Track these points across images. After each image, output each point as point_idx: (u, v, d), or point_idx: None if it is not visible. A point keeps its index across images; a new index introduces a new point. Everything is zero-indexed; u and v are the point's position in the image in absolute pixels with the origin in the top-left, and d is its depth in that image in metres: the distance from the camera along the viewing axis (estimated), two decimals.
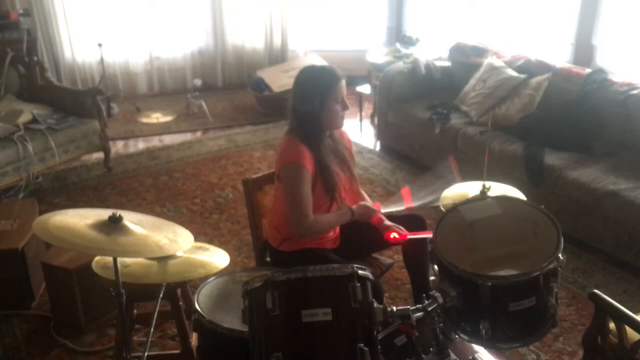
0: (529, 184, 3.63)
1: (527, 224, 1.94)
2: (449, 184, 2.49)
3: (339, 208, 2.44)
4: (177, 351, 2.54)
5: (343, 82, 2.34)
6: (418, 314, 1.75)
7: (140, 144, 5.23)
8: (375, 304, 1.63)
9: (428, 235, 2.36)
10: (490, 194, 2.43)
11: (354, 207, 2.42)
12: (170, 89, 6.53)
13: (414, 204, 2.45)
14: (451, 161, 2.54)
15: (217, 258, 2.20)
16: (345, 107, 2.35)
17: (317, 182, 2.33)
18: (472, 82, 4.44)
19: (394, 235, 2.40)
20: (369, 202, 2.58)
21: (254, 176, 2.57)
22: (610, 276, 3.29)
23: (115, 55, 6.11)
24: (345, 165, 2.48)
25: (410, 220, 2.51)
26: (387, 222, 2.45)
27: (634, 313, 1.87)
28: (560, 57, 4.74)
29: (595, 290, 1.97)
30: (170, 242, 1.89)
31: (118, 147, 5.12)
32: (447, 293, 1.79)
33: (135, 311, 2.53)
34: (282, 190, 2.33)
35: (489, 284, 1.75)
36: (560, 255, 1.79)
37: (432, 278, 2.02)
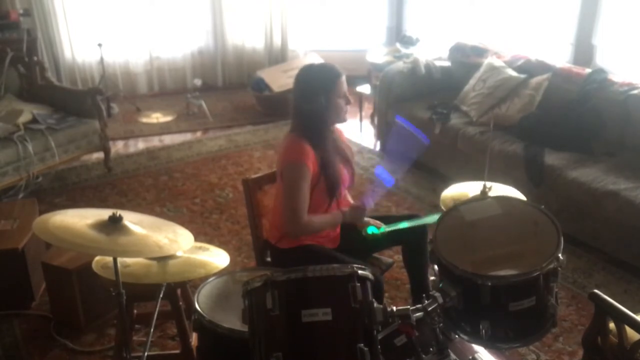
0: (529, 184, 3.63)
1: (527, 224, 1.94)
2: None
3: (339, 207, 2.45)
4: (177, 351, 2.54)
5: (344, 78, 2.37)
6: (418, 314, 1.75)
7: (140, 144, 5.23)
8: (375, 304, 1.63)
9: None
10: (491, 194, 2.43)
11: (345, 209, 2.46)
12: (170, 89, 6.53)
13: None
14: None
15: (217, 258, 2.20)
16: (347, 102, 2.40)
17: (320, 181, 2.34)
18: (472, 82, 4.44)
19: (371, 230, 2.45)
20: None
21: (254, 176, 2.57)
22: (610, 276, 3.29)
23: (115, 55, 6.11)
24: (348, 162, 2.51)
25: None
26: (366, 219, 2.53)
27: (634, 313, 1.87)
28: (560, 57, 4.74)
29: (595, 290, 1.97)
30: (170, 242, 1.89)
31: (118, 147, 5.12)
32: (447, 293, 1.79)
33: (135, 311, 2.53)
34: (282, 188, 2.34)
35: (489, 284, 1.75)
36: (560, 255, 1.79)
37: (432, 278, 2.02)
